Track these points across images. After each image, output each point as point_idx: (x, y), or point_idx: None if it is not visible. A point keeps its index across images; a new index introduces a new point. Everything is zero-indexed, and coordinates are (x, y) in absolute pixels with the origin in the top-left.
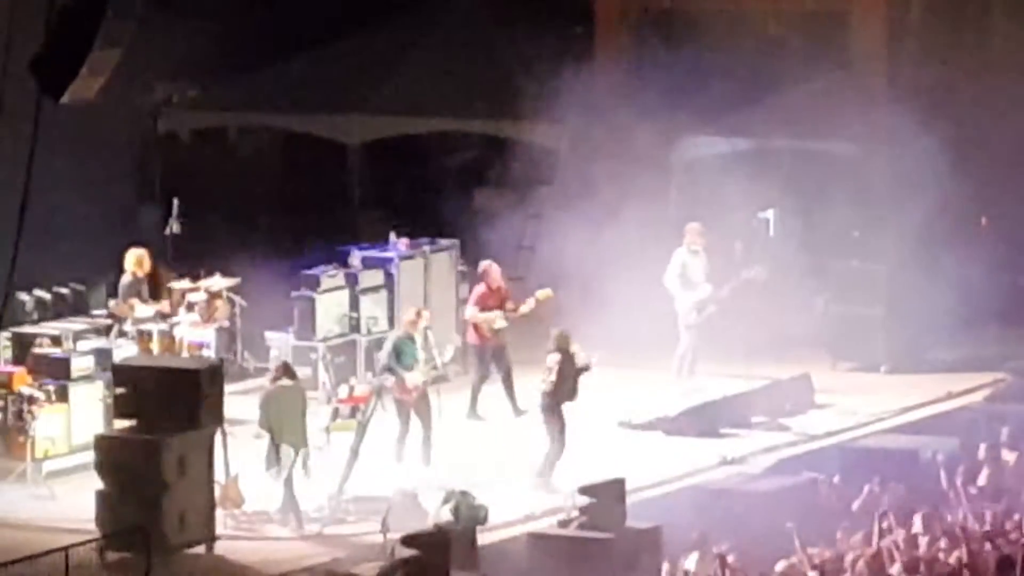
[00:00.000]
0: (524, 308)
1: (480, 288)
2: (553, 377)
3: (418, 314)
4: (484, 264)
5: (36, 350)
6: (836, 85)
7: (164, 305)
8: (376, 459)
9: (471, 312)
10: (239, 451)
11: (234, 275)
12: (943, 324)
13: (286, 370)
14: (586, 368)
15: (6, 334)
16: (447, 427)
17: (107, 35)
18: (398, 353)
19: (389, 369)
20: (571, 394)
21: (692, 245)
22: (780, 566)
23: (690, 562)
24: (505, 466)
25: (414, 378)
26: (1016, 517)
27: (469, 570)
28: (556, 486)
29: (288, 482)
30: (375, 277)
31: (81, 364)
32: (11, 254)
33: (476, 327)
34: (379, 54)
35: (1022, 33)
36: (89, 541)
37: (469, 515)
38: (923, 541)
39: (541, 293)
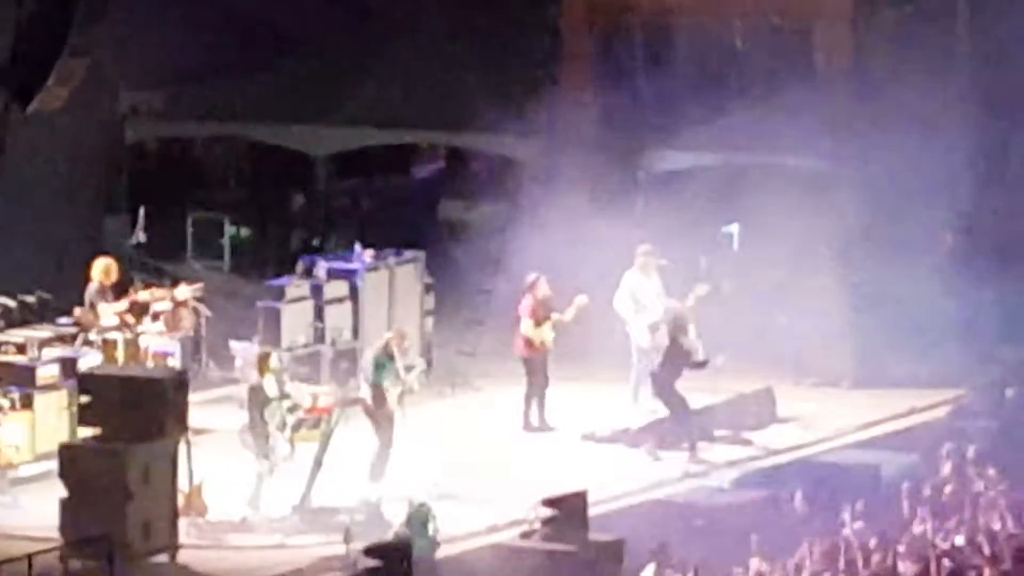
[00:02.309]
0: (566, 316)
1: (529, 301)
2: (659, 359)
3: (401, 336)
4: (532, 277)
5: (1, 358)
6: (802, 100)
7: (126, 304)
8: (339, 470)
9: (527, 327)
10: (203, 460)
11: (199, 284)
12: (906, 340)
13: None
14: (700, 364)
15: None
16: (413, 438)
17: (74, 44)
18: (377, 368)
19: (373, 384)
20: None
21: (644, 267)
22: None
23: (647, 574)
24: (471, 477)
25: (394, 401)
26: (974, 534)
27: None
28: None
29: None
30: (340, 288)
31: (46, 372)
32: None
33: (529, 340)
34: (345, 66)
35: (989, 47)
36: (53, 549)
37: (421, 527)
38: (879, 557)
39: (580, 300)
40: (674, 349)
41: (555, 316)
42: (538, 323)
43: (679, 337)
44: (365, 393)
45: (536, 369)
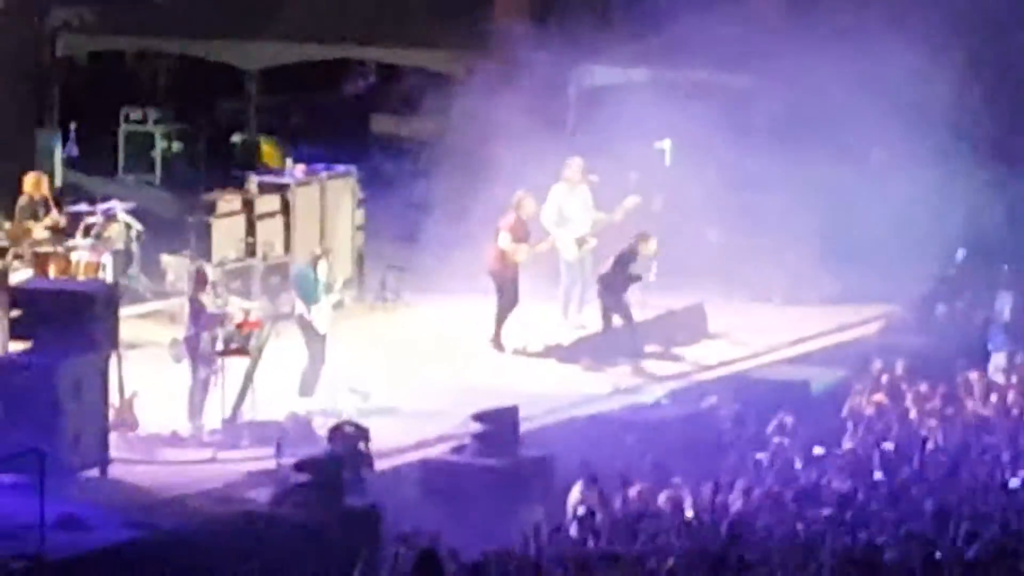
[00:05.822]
0: (538, 247)
1: (511, 217)
2: (607, 265)
3: (324, 253)
4: (519, 194)
5: None
6: (734, 17)
7: (57, 218)
8: (270, 385)
9: (504, 240)
10: (134, 374)
11: (130, 199)
12: (836, 256)
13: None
14: (634, 278)
15: None
16: (344, 352)
17: None
18: (306, 282)
19: (302, 298)
20: (624, 285)
21: (571, 181)
22: (662, 498)
23: (575, 491)
24: (401, 392)
25: (322, 324)
26: (903, 449)
27: (361, 495)
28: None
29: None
30: (271, 203)
31: None
32: None
33: (502, 255)
34: None
35: None
36: None
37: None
38: (808, 473)
39: (551, 239)
40: (622, 261)
41: (529, 244)
42: (516, 239)
43: (630, 256)
44: (296, 307)
45: (506, 286)
